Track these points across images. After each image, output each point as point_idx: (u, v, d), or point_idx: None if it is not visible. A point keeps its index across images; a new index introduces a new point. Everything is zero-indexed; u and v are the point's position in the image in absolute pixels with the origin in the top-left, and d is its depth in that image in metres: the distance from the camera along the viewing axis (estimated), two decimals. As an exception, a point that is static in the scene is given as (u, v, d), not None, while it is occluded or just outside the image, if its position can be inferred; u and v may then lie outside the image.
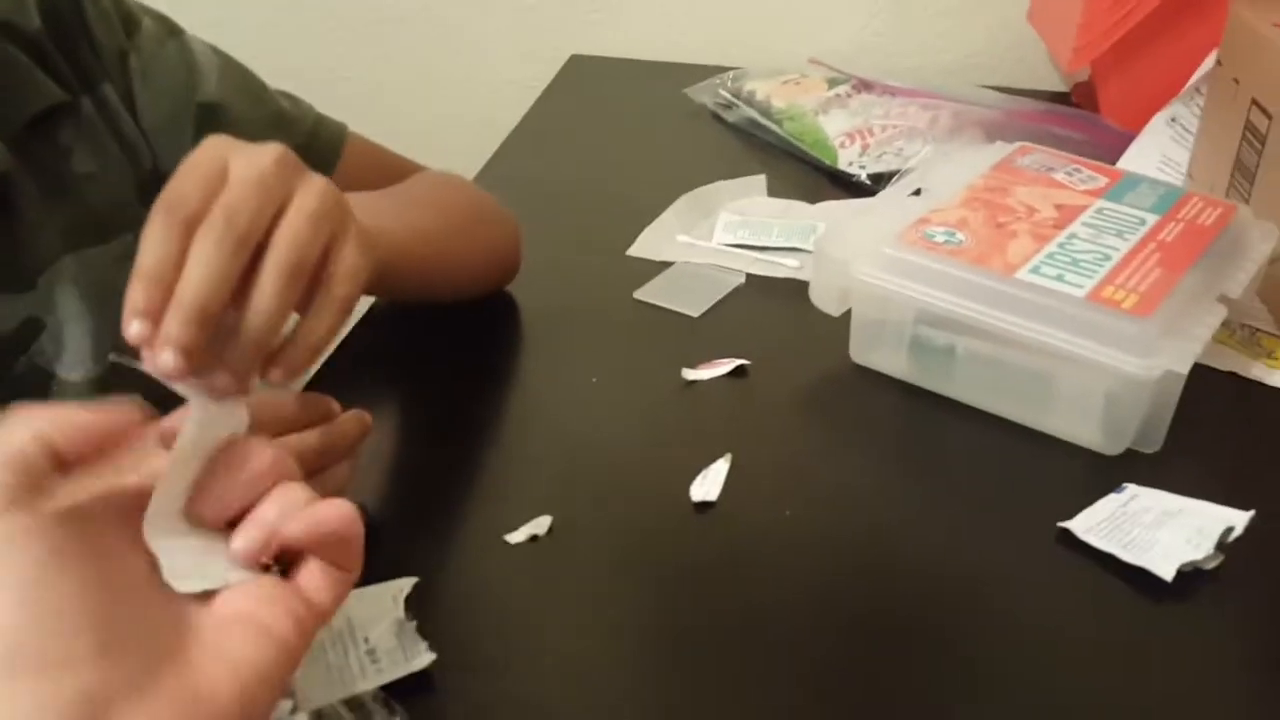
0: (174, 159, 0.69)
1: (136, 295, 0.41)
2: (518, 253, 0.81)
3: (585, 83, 1.27)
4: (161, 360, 0.40)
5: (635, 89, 1.24)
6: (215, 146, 0.44)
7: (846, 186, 0.98)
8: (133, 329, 0.40)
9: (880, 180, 0.96)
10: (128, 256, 0.66)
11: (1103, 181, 0.77)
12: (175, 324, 0.40)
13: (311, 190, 0.45)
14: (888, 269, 0.68)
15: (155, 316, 0.40)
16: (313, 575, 0.39)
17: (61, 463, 0.35)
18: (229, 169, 0.43)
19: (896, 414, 0.71)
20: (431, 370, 0.75)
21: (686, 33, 1.30)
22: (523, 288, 0.82)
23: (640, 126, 1.15)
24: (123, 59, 0.66)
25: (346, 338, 0.77)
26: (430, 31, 1.36)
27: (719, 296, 0.82)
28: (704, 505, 0.62)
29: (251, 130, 0.64)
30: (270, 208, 0.43)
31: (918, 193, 0.77)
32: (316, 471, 0.54)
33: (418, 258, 0.67)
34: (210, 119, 0.69)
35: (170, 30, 0.70)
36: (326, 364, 0.74)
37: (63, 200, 0.61)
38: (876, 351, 0.73)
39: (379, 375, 0.74)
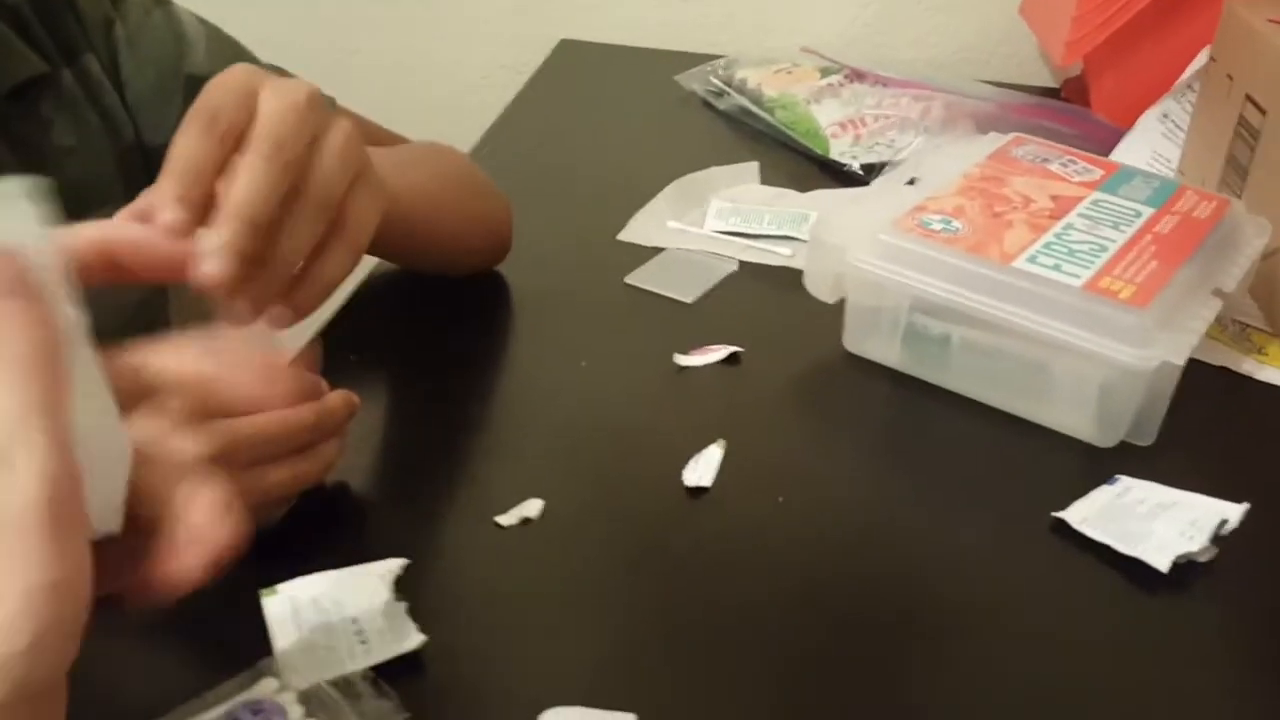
0: (159, 131, 0.68)
1: (171, 186, 0.40)
2: (509, 230, 0.80)
3: (575, 68, 1.25)
4: (209, 266, 0.39)
5: (625, 75, 1.23)
6: (245, 71, 0.44)
7: (838, 176, 0.97)
8: (168, 214, 0.39)
9: (872, 170, 0.95)
10: None
11: (1098, 174, 0.77)
12: (228, 230, 0.40)
13: (340, 130, 0.45)
14: (883, 256, 0.68)
15: (193, 210, 0.40)
16: None
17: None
18: (260, 95, 0.43)
19: (890, 403, 0.71)
20: (421, 353, 0.74)
21: (677, 19, 1.29)
22: (512, 271, 0.81)
23: (630, 112, 1.14)
24: (108, 28, 0.65)
25: (334, 319, 0.76)
26: (420, 14, 1.34)
27: (711, 283, 0.81)
28: (697, 490, 0.62)
29: None
30: (307, 140, 0.43)
31: (912, 182, 0.76)
32: (307, 447, 0.53)
33: (415, 218, 0.66)
34: (199, 91, 0.68)
35: (158, 0, 0.69)
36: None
37: (41, 173, 0.59)
38: (870, 340, 0.72)
39: (368, 357, 0.73)
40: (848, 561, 0.59)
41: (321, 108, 0.45)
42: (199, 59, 0.69)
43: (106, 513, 0.33)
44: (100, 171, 0.66)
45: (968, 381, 0.69)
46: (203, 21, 0.71)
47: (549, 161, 1.02)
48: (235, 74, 0.44)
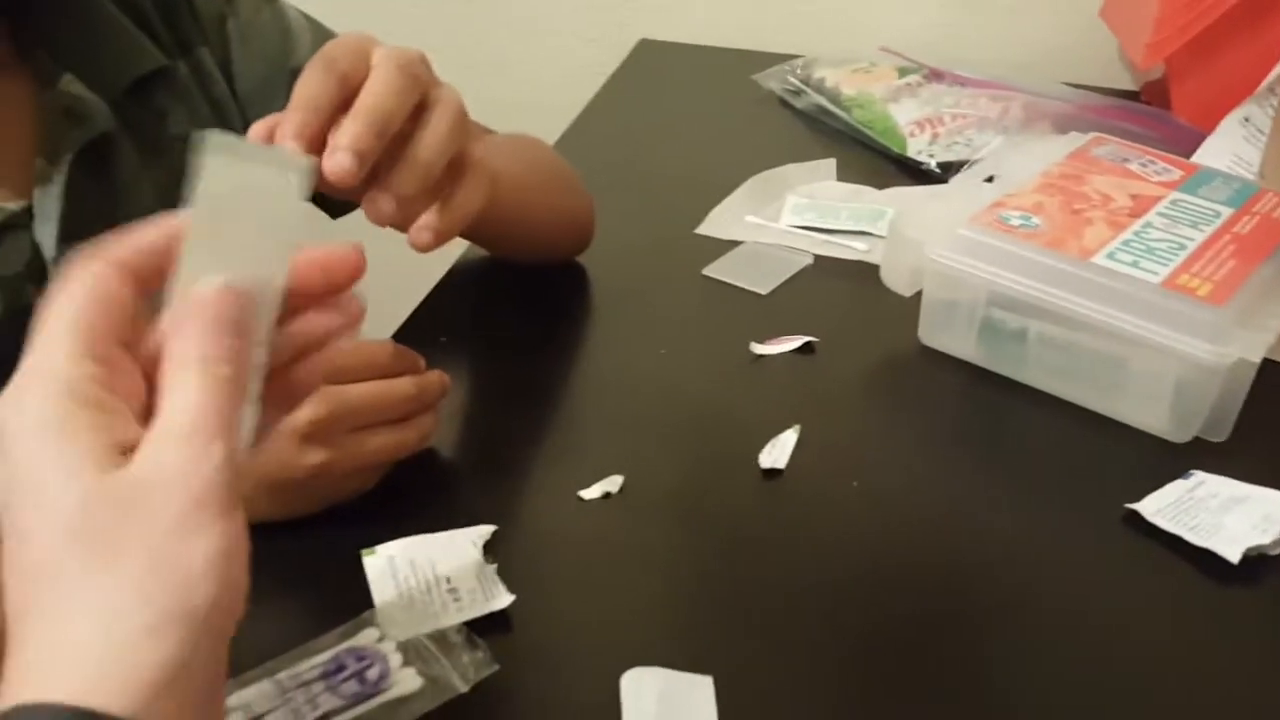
0: (256, 113, 0.71)
1: (293, 117, 0.43)
2: (592, 224, 0.82)
3: (654, 67, 1.28)
4: (335, 160, 0.42)
5: (703, 74, 1.25)
6: (358, 35, 0.48)
7: (915, 174, 0.98)
8: (289, 137, 0.42)
9: (949, 169, 0.96)
10: None
11: (1177, 174, 0.77)
12: (356, 126, 0.43)
13: (449, 90, 0.49)
14: (962, 250, 0.69)
15: (311, 142, 0.43)
16: None
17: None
18: (375, 50, 0.47)
19: (965, 395, 0.72)
20: (508, 337, 0.77)
21: (756, 20, 1.30)
22: (594, 262, 0.83)
23: (708, 111, 1.16)
24: (221, 24, 0.68)
25: (423, 305, 0.79)
26: (500, 14, 1.37)
27: (787, 275, 0.83)
28: (771, 473, 0.64)
29: None
30: (414, 97, 0.47)
31: (991, 179, 0.77)
32: (407, 418, 0.56)
33: (507, 203, 0.68)
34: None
35: None
36: (407, 328, 0.76)
37: (157, 161, 0.63)
38: (946, 333, 0.73)
39: (458, 340, 0.76)
40: (920, 547, 0.60)
41: (429, 68, 0.48)
42: (304, 53, 0.72)
43: None
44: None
45: (1044, 376, 0.70)
46: (307, 18, 0.75)
47: (629, 158, 1.04)
48: (350, 35, 0.48)
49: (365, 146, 0.43)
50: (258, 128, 0.45)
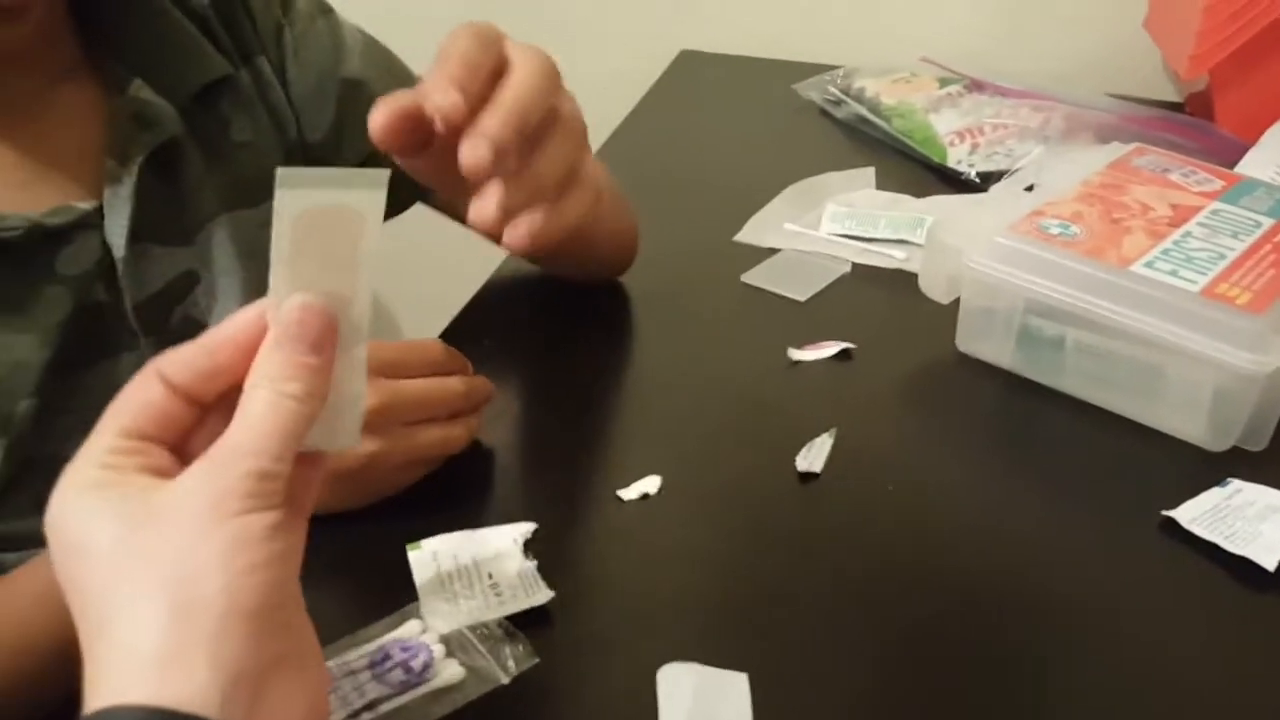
0: (315, 129, 0.74)
1: (444, 75, 0.43)
2: (637, 244, 0.83)
3: (694, 77, 1.29)
4: (475, 148, 0.42)
5: (744, 84, 1.26)
6: (488, 27, 0.47)
7: (955, 184, 0.99)
8: (440, 97, 0.42)
9: (989, 179, 0.97)
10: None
11: (1219, 184, 0.77)
12: (500, 117, 0.42)
13: (574, 101, 0.49)
14: (1000, 258, 0.70)
15: (466, 99, 0.42)
16: None
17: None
18: (505, 47, 0.46)
19: (1002, 402, 0.72)
20: (549, 340, 0.78)
21: (796, 30, 1.31)
22: (634, 268, 0.84)
23: (748, 120, 1.17)
24: (278, 34, 0.70)
25: (467, 309, 0.81)
26: (541, 25, 1.39)
27: (825, 283, 0.84)
28: (808, 476, 0.64)
29: None
30: (547, 101, 0.46)
31: (1031, 189, 0.78)
32: (455, 416, 0.58)
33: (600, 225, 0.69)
34: (352, 92, 0.73)
35: (321, 8, 0.74)
36: (451, 331, 0.77)
37: (221, 165, 0.65)
38: (984, 341, 0.74)
39: (501, 345, 0.77)
40: (955, 551, 0.61)
41: (558, 77, 0.48)
42: (354, 64, 0.74)
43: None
44: (270, 165, 0.70)
45: (1081, 383, 0.70)
46: (360, 31, 0.77)
47: (669, 166, 1.06)
48: (477, 25, 0.47)
49: (506, 141, 0.42)
50: (404, 94, 0.45)
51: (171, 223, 0.63)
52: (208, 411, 0.39)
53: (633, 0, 1.35)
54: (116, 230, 0.58)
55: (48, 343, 0.57)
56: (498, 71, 0.45)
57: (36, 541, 0.56)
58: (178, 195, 0.63)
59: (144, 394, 0.38)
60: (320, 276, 0.38)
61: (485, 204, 0.45)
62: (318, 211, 0.37)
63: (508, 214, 0.45)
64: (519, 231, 0.46)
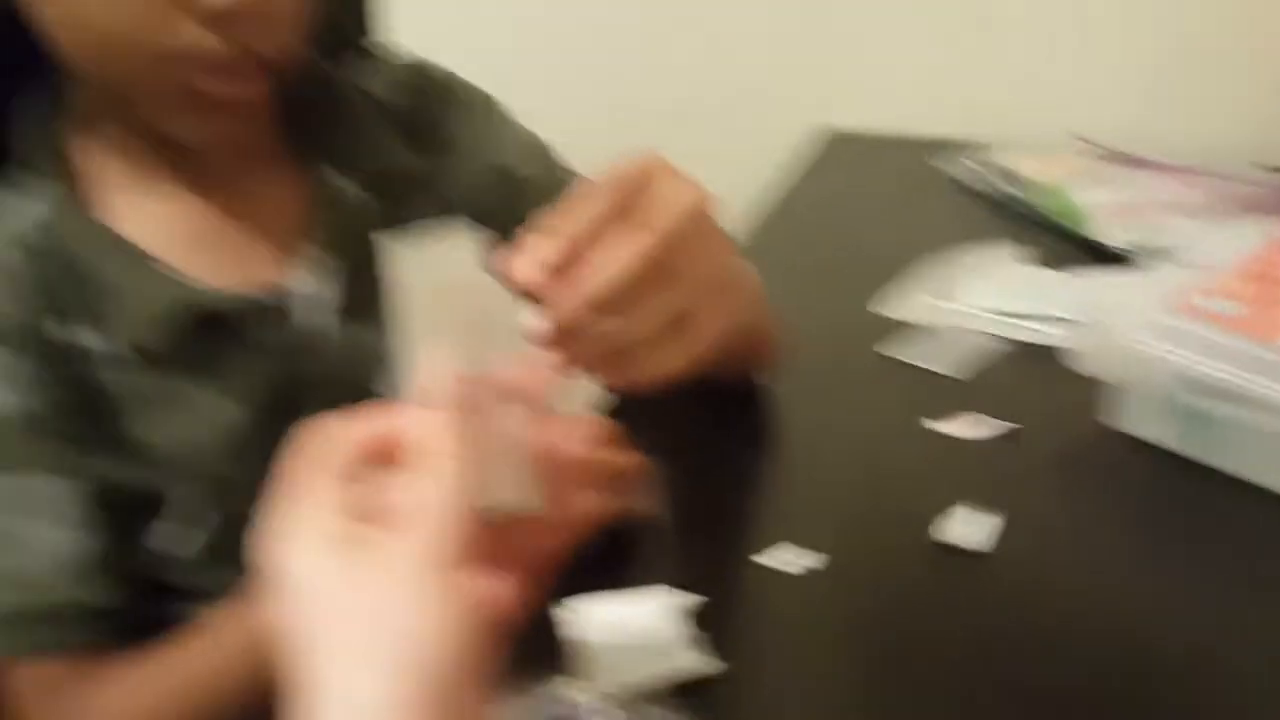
0: (480, 216, 0.78)
1: (551, 233, 0.44)
2: (776, 353, 0.81)
3: (838, 154, 1.31)
4: (540, 327, 0.43)
5: (888, 161, 1.28)
6: (655, 159, 0.47)
7: (1104, 258, 0.98)
8: (542, 253, 0.43)
9: (1140, 254, 0.95)
10: None
11: (1388, 260, 0.75)
12: (571, 296, 0.43)
13: (717, 242, 0.48)
14: (1156, 334, 0.69)
15: (561, 258, 0.43)
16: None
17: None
18: (661, 183, 0.46)
19: (1160, 481, 0.71)
20: (702, 415, 0.79)
21: (942, 108, 1.32)
22: (782, 345, 0.85)
23: (893, 196, 1.18)
24: (457, 132, 0.75)
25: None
26: (689, 105, 1.44)
27: (970, 356, 0.84)
28: (962, 551, 0.64)
29: (544, 195, 0.72)
30: (685, 242, 0.45)
31: (1184, 264, 0.77)
32: (608, 486, 0.60)
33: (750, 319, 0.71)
34: (514, 185, 0.78)
35: (491, 105, 0.79)
36: (603, 407, 0.80)
37: (400, 245, 0.70)
38: (1141, 418, 0.73)
39: (655, 419, 0.79)
40: (1111, 632, 0.60)
41: (706, 216, 0.47)
42: (516, 158, 0.78)
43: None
44: None
45: (1242, 462, 0.69)
46: (525, 128, 0.81)
47: (813, 241, 1.07)
48: (647, 158, 0.47)
49: (573, 321, 0.43)
50: (521, 258, 0.45)
51: (361, 298, 0.68)
52: (389, 459, 0.42)
53: (781, 80, 1.38)
54: (314, 304, 0.63)
55: (254, 408, 0.62)
56: (631, 210, 0.45)
57: (233, 593, 0.61)
58: (363, 272, 0.68)
59: (328, 439, 0.41)
60: (464, 340, 0.41)
61: (556, 365, 0.45)
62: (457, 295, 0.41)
63: (572, 362, 0.45)
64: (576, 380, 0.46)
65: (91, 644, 0.59)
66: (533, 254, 0.44)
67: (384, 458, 0.42)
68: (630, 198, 0.45)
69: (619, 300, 0.44)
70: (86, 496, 0.60)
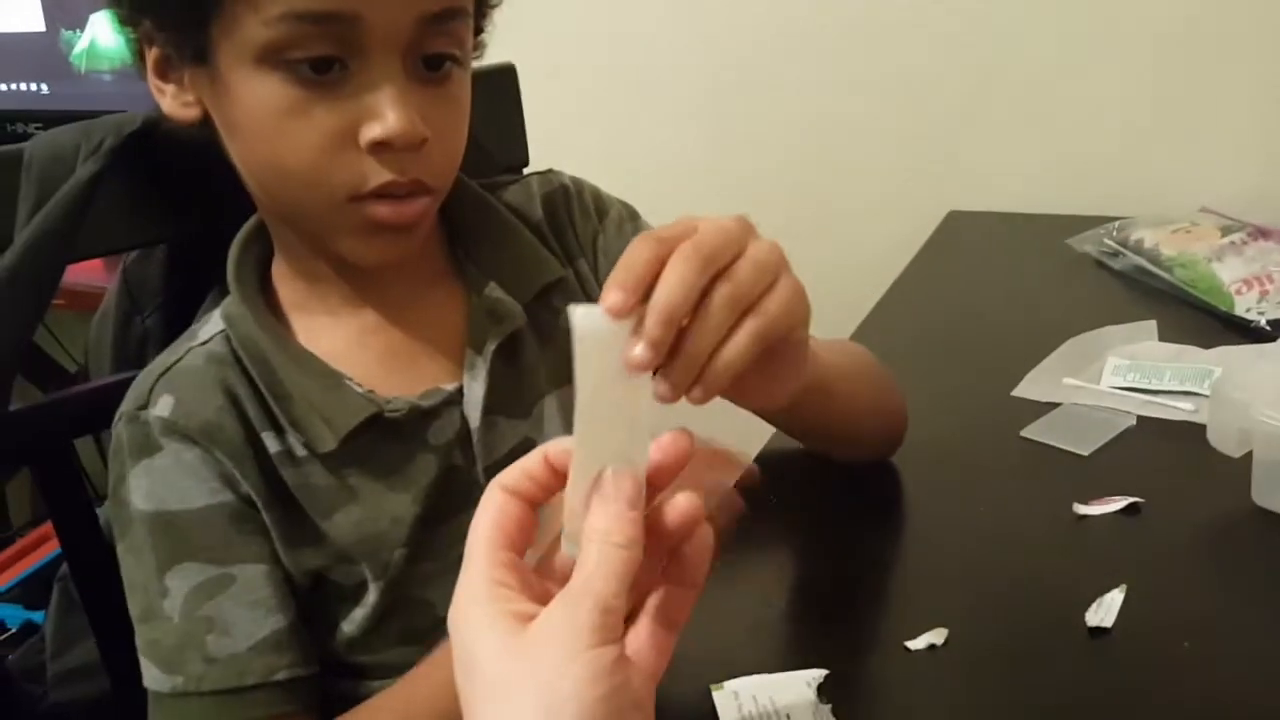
0: None
1: (614, 280, 0.47)
2: (905, 424, 0.84)
3: (964, 235, 1.33)
4: (636, 352, 0.47)
5: (1015, 240, 1.29)
6: (693, 218, 0.52)
7: (1244, 332, 0.97)
8: (612, 299, 0.47)
9: (1275, 326, 0.94)
10: None
11: None
12: (651, 323, 0.47)
13: (762, 244, 0.52)
14: (1293, 410, 0.69)
15: (626, 310, 0.47)
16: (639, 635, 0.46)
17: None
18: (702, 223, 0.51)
19: (1305, 558, 0.70)
20: (834, 497, 0.82)
21: (1068, 186, 1.33)
22: (912, 425, 0.86)
23: (1022, 275, 1.19)
24: (594, 240, 0.81)
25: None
26: (814, 190, 1.48)
27: (1109, 436, 0.84)
28: (1099, 631, 0.65)
29: None
30: (729, 249, 0.50)
31: (1324, 338, 0.77)
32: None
33: (832, 390, 0.74)
34: None
35: (631, 215, 0.84)
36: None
37: (553, 349, 0.76)
38: (1281, 494, 0.72)
39: (787, 502, 0.82)
40: (1252, 711, 0.59)
41: (748, 228, 0.52)
42: None
43: None
44: None
45: (1395, 539, 0.67)
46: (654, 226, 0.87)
47: (943, 323, 1.09)
48: (685, 219, 0.52)
49: (657, 339, 0.46)
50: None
51: (515, 399, 0.73)
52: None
53: (901, 165, 1.42)
54: (473, 406, 0.70)
55: (418, 500, 0.68)
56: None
57: (400, 670, 0.66)
58: (520, 376, 0.74)
59: (493, 507, 0.46)
60: (614, 440, 0.45)
61: (659, 391, 0.48)
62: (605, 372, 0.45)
63: (679, 385, 0.49)
64: (697, 394, 0.49)
65: (289, 713, 0.65)
66: (608, 290, 0.47)
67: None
68: (678, 234, 0.49)
69: (679, 310, 0.47)
70: (279, 580, 0.67)
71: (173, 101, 0.68)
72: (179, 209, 0.80)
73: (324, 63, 0.61)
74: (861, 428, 0.82)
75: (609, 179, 0.87)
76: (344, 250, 0.67)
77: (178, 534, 0.66)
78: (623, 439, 0.46)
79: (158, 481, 0.67)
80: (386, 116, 0.62)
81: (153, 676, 0.65)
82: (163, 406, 0.68)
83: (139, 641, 0.66)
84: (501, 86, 0.98)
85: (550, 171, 0.84)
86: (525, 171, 0.84)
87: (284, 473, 0.68)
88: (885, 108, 1.40)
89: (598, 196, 0.83)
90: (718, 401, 0.58)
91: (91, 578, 0.79)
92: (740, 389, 0.53)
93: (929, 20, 1.34)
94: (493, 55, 0.97)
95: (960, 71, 1.35)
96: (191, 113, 0.67)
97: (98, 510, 0.82)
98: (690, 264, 0.49)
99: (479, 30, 0.72)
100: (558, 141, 0.99)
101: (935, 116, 1.38)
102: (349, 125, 0.62)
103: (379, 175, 0.63)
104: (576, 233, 0.80)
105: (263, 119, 0.63)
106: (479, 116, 0.73)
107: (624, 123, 1.52)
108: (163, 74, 0.67)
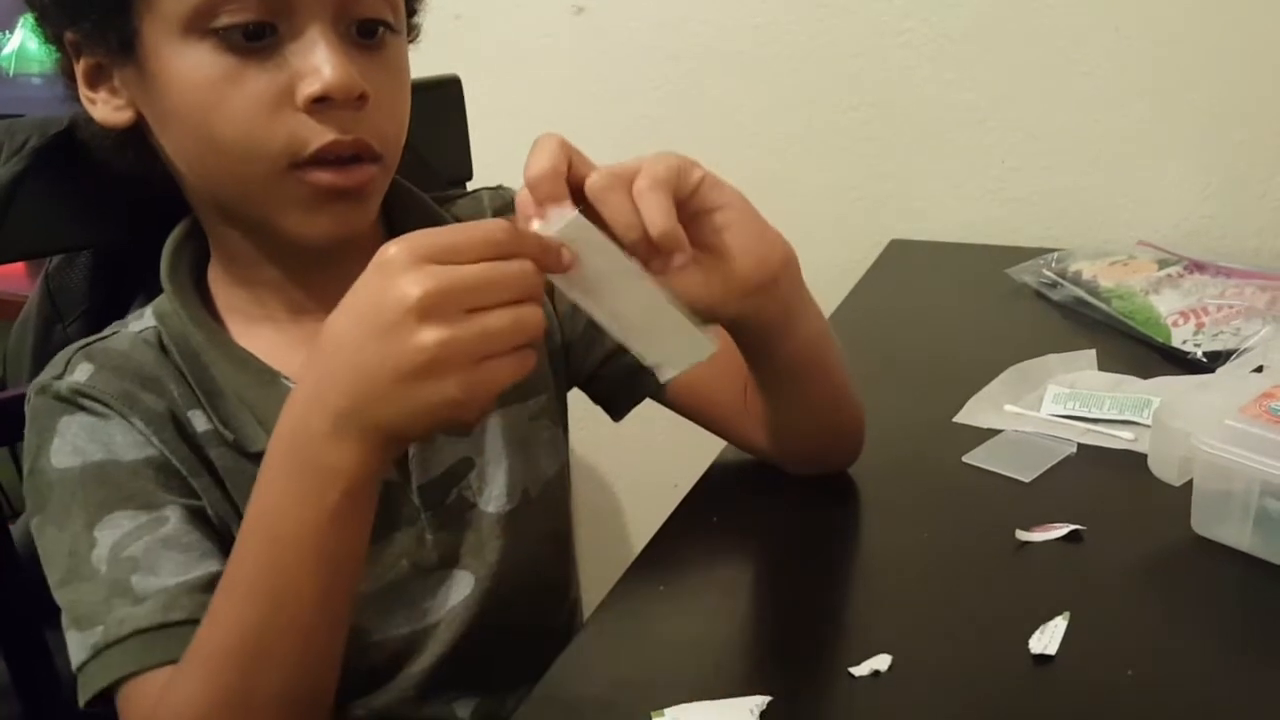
0: (574, 330, 0.82)
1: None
2: (863, 434, 0.83)
3: (905, 264, 1.34)
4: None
5: (955, 269, 1.30)
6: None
7: (1180, 364, 0.98)
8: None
9: (1216, 359, 0.96)
10: (542, 413, 0.78)
11: None
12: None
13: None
14: (1232, 440, 0.69)
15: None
16: None
17: None
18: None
19: (1242, 588, 0.70)
20: (775, 519, 0.81)
21: (1008, 217, 1.35)
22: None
23: (962, 304, 1.20)
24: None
25: (696, 489, 0.85)
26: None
27: (1050, 464, 0.85)
28: (1042, 659, 0.64)
29: None
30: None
31: (1260, 369, 0.77)
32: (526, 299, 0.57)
33: (823, 362, 0.73)
34: None
35: None
36: (682, 509, 0.82)
37: None
38: (1220, 523, 0.73)
39: (728, 522, 0.81)
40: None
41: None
42: None
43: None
44: (540, 368, 0.80)
45: (1329, 568, 0.68)
46: None
47: (884, 349, 1.09)
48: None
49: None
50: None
51: None
52: None
53: (843, 193, 1.42)
54: None
55: None
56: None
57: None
58: None
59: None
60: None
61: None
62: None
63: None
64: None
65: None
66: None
67: None
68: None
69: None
70: (211, 530, 0.65)
71: (104, 108, 0.66)
72: (105, 215, 0.78)
73: (255, 29, 0.60)
74: (828, 417, 0.80)
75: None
76: (289, 227, 0.65)
77: (110, 481, 0.64)
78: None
79: (81, 435, 0.65)
80: (322, 70, 0.60)
81: (74, 646, 0.61)
82: (80, 374, 0.66)
83: (64, 617, 0.62)
84: (446, 99, 0.96)
85: (501, 188, 0.83)
86: (470, 187, 0.83)
87: (213, 452, 0.66)
88: (828, 135, 1.41)
89: None
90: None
91: (3, 595, 0.75)
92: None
93: (874, 48, 1.35)
94: (440, 67, 0.96)
95: (904, 101, 1.36)
96: (125, 115, 0.66)
97: (11, 527, 0.78)
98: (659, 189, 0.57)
99: (412, 12, 0.71)
100: (503, 157, 0.98)
101: (879, 145, 1.39)
102: (284, 87, 0.61)
103: (320, 135, 0.62)
104: None
105: (195, 92, 0.61)
106: (422, 130, 0.72)
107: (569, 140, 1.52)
108: (93, 84, 0.66)
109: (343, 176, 0.63)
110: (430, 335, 0.51)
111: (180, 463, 0.65)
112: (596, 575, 0.88)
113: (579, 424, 0.89)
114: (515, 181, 0.84)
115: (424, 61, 0.74)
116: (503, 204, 0.80)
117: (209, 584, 0.61)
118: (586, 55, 1.48)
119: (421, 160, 0.76)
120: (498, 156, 0.98)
